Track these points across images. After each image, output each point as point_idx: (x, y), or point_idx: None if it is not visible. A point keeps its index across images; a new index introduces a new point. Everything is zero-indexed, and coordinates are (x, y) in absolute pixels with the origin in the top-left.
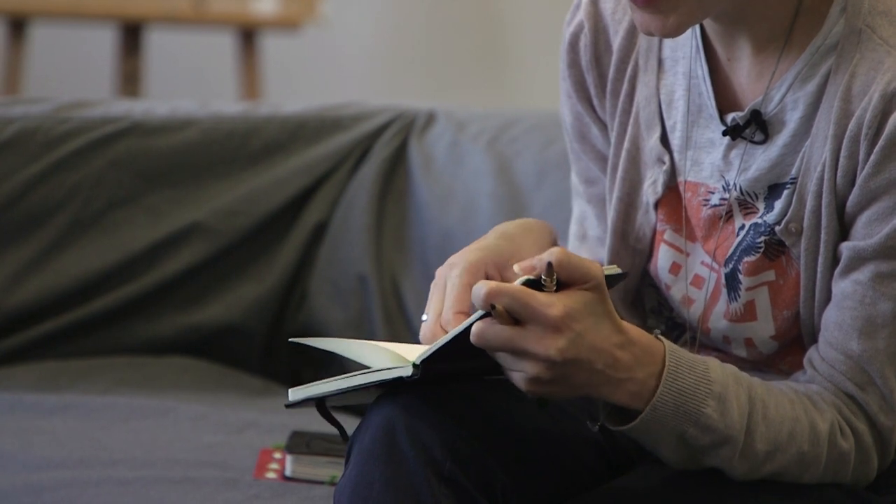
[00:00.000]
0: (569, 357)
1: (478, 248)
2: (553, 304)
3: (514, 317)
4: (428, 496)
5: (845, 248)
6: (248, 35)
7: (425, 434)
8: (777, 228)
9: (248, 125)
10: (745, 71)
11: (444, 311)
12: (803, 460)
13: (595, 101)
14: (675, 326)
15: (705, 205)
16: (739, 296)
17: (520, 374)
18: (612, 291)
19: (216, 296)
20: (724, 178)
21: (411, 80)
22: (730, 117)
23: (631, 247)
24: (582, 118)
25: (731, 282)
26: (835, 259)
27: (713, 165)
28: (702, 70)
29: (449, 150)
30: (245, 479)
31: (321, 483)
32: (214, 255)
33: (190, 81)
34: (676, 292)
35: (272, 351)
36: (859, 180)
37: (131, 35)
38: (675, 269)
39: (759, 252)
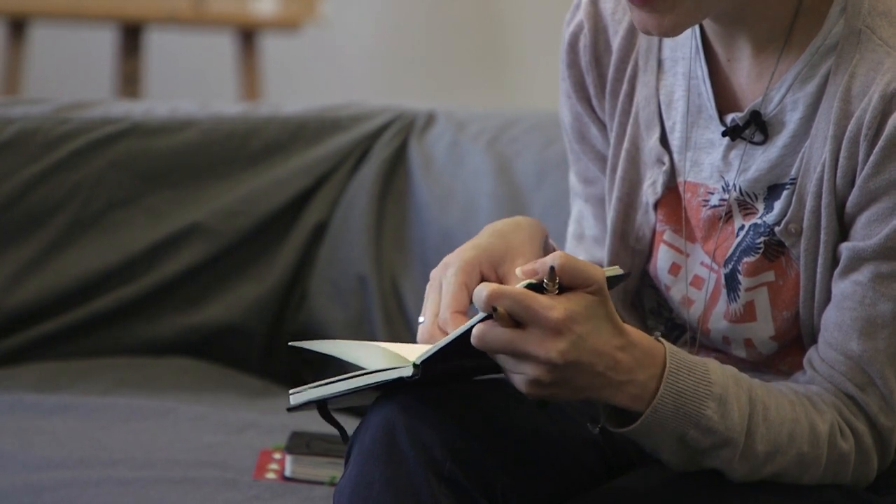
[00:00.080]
0: (570, 360)
1: (472, 248)
2: (554, 306)
3: (516, 319)
4: (428, 496)
5: (845, 248)
6: (248, 35)
7: (425, 434)
8: (777, 229)
9: (248, 126)
10: (744, 71)
11: (441, 311)
12: (803, 461)
13: (594, 101)
14: (675, 327)
15: (705, 205)
16: (739, 296)
17: (520, 376)
18: (611, 292)
19: (216, 296)
20: (723, 178)
21: (411, 81)
22: (729, 118)
23: (630, 247)
24: (581, 118)
25: (731, 282)
26: (834, 260)
27: (713, 166)
28: (701, 70)
29: (449, 150)
30: (245, 479)
31: (321, 483)
32: (214, 256)
33: (190, 82)
34: (676, 293)
35: (272, 351)
36: (859, 181)
37: (131, 35)
38: (674, 269)
39: (758, 253)
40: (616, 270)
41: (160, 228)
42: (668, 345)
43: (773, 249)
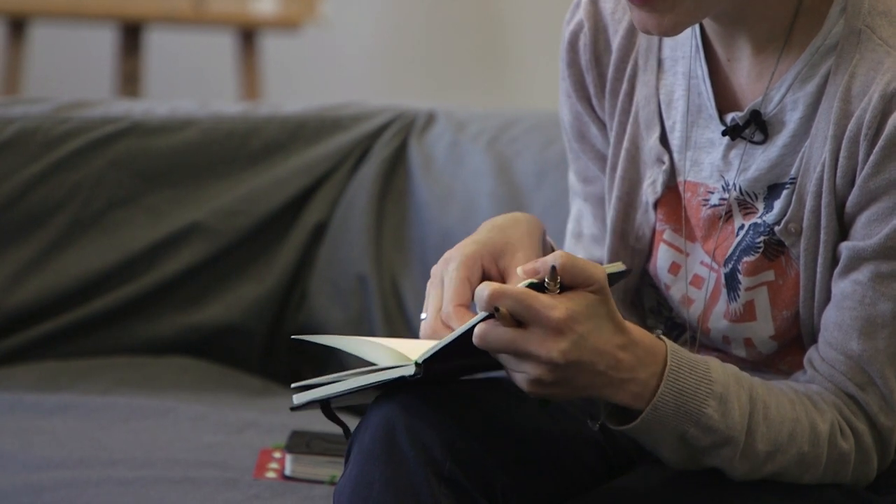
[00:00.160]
0: (571, 359)
1: (472, 242)
2: (556, 306)
3: (517, 319)
4: (428, 496)
5: (845, 248)
6: (248, 35)
7: (425, 434)
8: (776, 228)
9: (247, 125)
10: (744, 71)
11: (444, 305)
12: (803, 461)
13: (594, 101)
14: (675, 326)
15: (705, 205)
16: (739, 296)
17: (522, 375)
18: (611, 291)
19: (216, 296)
20: (723, 178)
21: (411, 81)
22: (729, 117)
23: (630, 246)
24: (581, 117)
25: (731, 282)
26: (834, 259)
27: (713, 165)
28: (701, 70)
29: (449, 150)
30: (245, 478)
31: (321, 483)
32: (214, 255)
33: (190, 81)
34: (676, 292)
35: (272, 351)
36: (859, 180)
37: (131, 35)
38: (674, 268)
39: (758, 252)
40: (618, 266)
41: (160, 228)
42: (669, 343)
43: (773, 249)
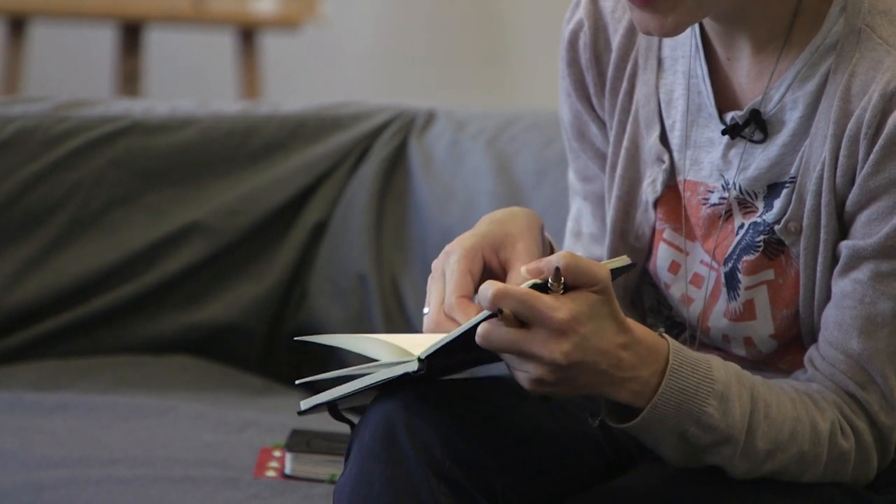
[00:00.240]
0: (574, 360)
1: (472, 235)
2: (559, 307)
3: (520, 319)
4: (427, 495)
5: (844, 247)
6: (248, 34)
7: (425, 433)
8: (776, 227)
9: (247, 124)
10: (744, 70)
11: (446, 297)
12: (804, 459)
13: (594, 100)
14: (675, 325)
15: (704, 204)
16: (739, 295)
17: (524, 374)
18: (613, 287)
19: (216, 295)
20: (723, 177)
21: (411, 80)
22: (729, 116)
23: (630, 245)
24: (581, 116)
25: (731, 281)
26: (834, 258)
27: (712, 164)
28: (701, 69)
29: (449, 149)
30: (245, 477)
31: (321, 481)
32: (214, 255)
33: (190, 81)
34: (676, 291)
35: (272, 350)
36: (859, 180)
37: (131, 34)
38: (674, 267)
39: (758, 251)
40: (623, 261)
41: (160, 227)
42: (671, 341)
43: (773, 248)
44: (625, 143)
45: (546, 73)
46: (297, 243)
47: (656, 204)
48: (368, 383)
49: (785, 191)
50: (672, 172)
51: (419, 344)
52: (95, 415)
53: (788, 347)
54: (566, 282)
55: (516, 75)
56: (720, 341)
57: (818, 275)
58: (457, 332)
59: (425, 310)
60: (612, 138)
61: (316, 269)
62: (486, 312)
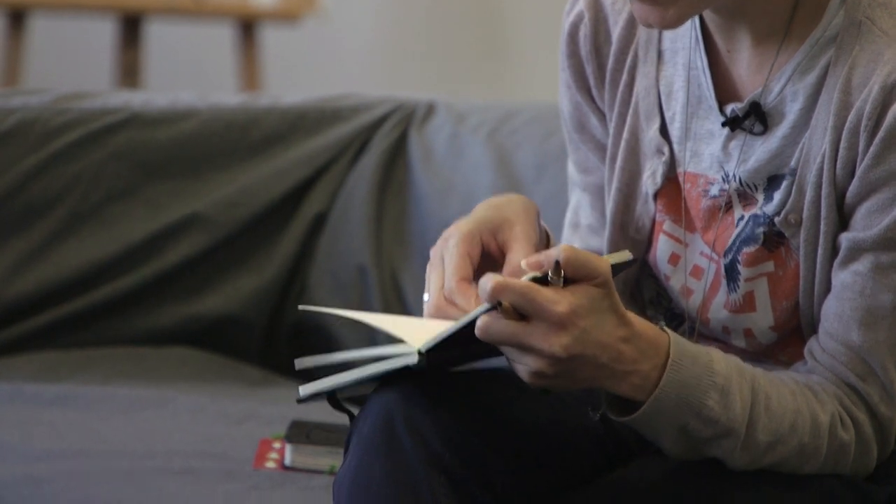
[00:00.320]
0: (573, 353)
1: (470, 220)
2: (559, 300)
3: (520, 312)
4: (426, 488)
5: (845, 238)
6: (248, 27)
7: (424, 425)
8: (776, 219)
9: (247, 116)
10: (744, 62)
11: (446, 280)
12: (804, 452)
13: (594, 92)
14: (674, 317)
15: (705, 196)
16: (739, 287)
17: (524, 367)
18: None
19: (216, 287)
20: (723, 169)
21: (411, 73)
22: (729, 108)
23: (630, 237)
24: (581, 108)
25: (731, 273)
26: (834, 250)
27: (712, 156)
28: (701, 61)
29: (449, 141)
30: (245, 469)
31: (321, 473)
32: (214, 247)
33: (189, 73)
34: (675, 283)
35: (272, 342)
36: (859, 172)
37: (131, 27)
38: (674, 259)
39: (758, 243)
40: (624, 256)
41: (160, 219)
42: (672, 334)
43: (773, 240)
44: (625, 135)
45: (546, 68)
46: (297, 235)
47: (656, 196)
48: (367, 374)
49: (785, 183)
50: (672, 164)
51: (421, 330)
52: (95, 406)
53: (788, 339)
54: (566, 275)
55: (516, 69)
56: (720, 333)
57: (818, 267)
58: (457, 325)
59: (425, 296)
60: (612, 130)
61: (316, 262)
62: (486, 305)
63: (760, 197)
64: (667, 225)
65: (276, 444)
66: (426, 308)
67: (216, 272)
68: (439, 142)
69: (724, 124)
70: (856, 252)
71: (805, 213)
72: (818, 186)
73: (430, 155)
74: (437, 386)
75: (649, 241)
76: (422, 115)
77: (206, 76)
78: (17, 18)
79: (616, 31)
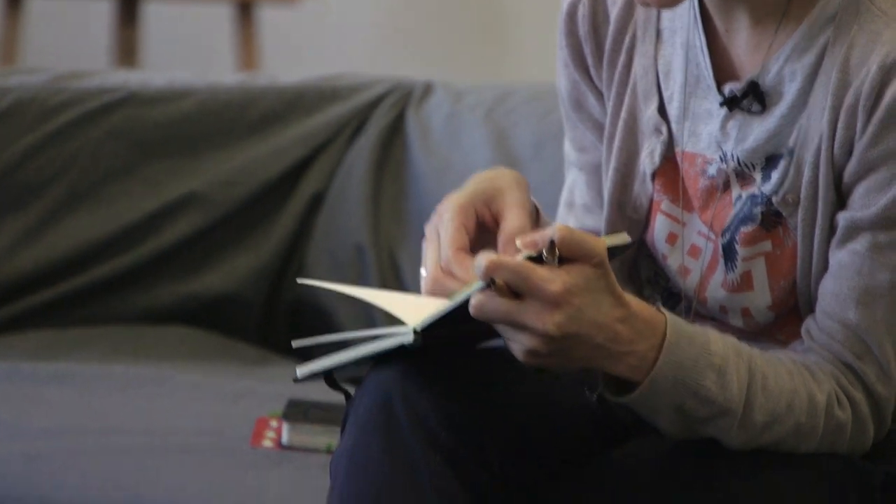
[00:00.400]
0: (567, 332)
1: (462, 193)
2: (553, 279)
3: (514, 290)
4: (424, 466)
5: (842, 218)
6: (246, 6)
7: (421, 404)
8: (774, 199)
9: (245, 96)
10: (742, 42)
11: (442, 251)
12: (800, 431)
13: (592, 71)
14: (671, 296)
15: (702, 175)
16: (736, 266)
17: (518, 345)
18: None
19: (213, 265)
20: (721, 148)
21: (409, 53)
22: (727, 88)
23: (628, 217)
24: (578, 86)
25: (728, 252)
26: (832, 229)
27: (710, 136)
28: (699, 41)
29: (446, 120)
30: (242, 447)
31: (318, 451)
32: (211, 225)
33: (187, 52)
34: (673, 262)
35: (269, 320)
36: (857, 151)
37: (129, 6)
38: (671, 238)
39: (755, 222)
40: (622, 238)
41: (157, 198)
42: (669, 315)
43: (771, 219)
44: (622, 114)
45: (544, 46)
46: (295, 214)
47: (654, 175)
48: (363, 354)
49: (783, 162)
50: (670, 144)
51: (418, 307)
52: (92, 385)
53: (786, 319)
54: (561, 255)
55: (515, 51)
56: (717, 312)
57: (815, 246)
58: (452, 303)
59: (422, 271)
60: (609, 110)
61: (313, 241)
62: (480, 283)
63: (758, 176)
64: (664, 204)
65: (274, 423)
66: (423, 283)
67: (214, 251)
68: (437, 121)
69: (722, 104)
70: (853, 231)
71: (803, 193)
72: (816, 166)
73: (427, 134)
74: (434, 365)
75: (647, 221)
76: (419, 94)
77: (203, 55)
78: None
79: (614, 11)
